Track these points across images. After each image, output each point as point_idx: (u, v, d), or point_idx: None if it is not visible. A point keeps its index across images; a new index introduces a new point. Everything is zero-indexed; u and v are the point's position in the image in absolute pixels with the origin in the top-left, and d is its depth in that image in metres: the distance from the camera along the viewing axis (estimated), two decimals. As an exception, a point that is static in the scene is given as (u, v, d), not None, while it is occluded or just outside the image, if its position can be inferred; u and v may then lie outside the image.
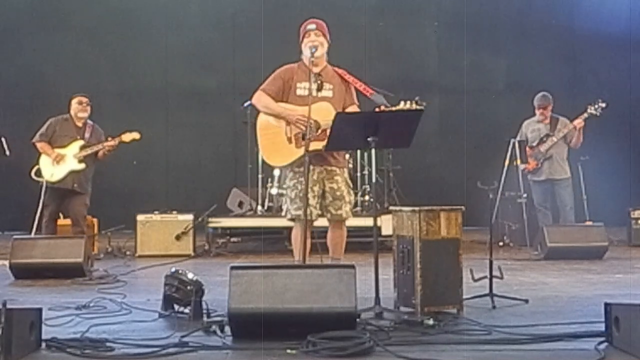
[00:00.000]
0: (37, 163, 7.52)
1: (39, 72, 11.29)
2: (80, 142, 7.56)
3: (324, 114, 4.90)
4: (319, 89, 5.04)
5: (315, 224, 5.18)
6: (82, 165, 7.49)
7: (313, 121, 4.83)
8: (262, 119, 5.22)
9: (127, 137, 7.68)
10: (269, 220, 8.40)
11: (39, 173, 7.48)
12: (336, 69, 5.22)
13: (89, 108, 7.68)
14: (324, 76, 5.10)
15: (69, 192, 7.51)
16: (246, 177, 8.85)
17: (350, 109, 5.12)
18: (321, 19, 5.28)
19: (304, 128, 4.90)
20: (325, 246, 5.27)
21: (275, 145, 5.10)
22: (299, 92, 5.11)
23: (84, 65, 11.37)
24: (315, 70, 5.11)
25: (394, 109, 4.73)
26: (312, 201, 5.02)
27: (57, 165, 7.43)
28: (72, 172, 7.46)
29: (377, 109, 4.80)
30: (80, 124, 7.65)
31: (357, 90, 5.20)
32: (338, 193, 5.10)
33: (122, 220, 8.76)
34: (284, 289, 3.80)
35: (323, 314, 3.72)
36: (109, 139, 7.61)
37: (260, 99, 5.18)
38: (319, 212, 5.11)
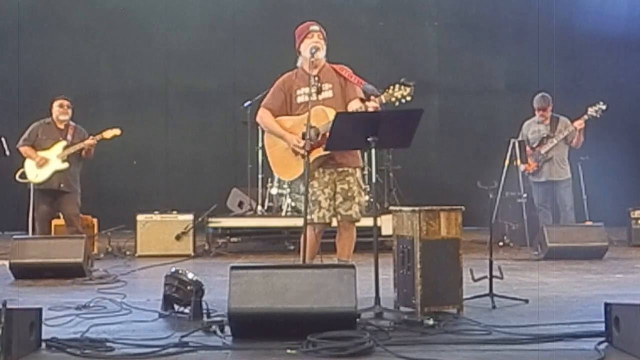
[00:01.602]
0: (22, 166, 7.60)
1: (39, 72, 11.28)
2: (63, 143, 7.64)
3: (320, 118, 4.83)
4: (319, 91, 4.98)
5: None
6: (66, 165, 7.55)
7: (312, 127, 4.76)
8: (267, 135, 5.23)
9: (108, 134, 7.75)
10: (269, 220, 8.40)
11: (23, 175, 7.57)
12: (334, 65, 5.15)
13: (70, 111, 7.76)
14: (322, 77, 5.05)
15: (57, 193, 7.58)
16: (246, 177, 8.85)
17: (353, 103, 5.00)
18: (321, 16, 5.27)
19: (302, 152, 4.87)
20: (326, 246, 5.25)
21: (284, 160, 5.09)
22: (299, 99, 5.09)
23: (84, 65, 11.38)
24: (314, 72, 5.05)
25: (383, 99, 4.71)
26: (324, 204, 5.01)
27: (41, 165, 7.51)
28: (57, 172, 7.53)
29: (372, 98, 4.78)
30: (62, 126, 7.72)
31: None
32: (349, 194, 5.04)
33: (122, 220, 8.75)
34: (284, 289, 3.80)
35: (323, 314, 3.72)
36: (90, 137, 7.64)
37: (262, 118, 5.19)
38: (332, 214, 5.07)
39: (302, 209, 5.12)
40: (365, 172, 8.57)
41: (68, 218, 7.65)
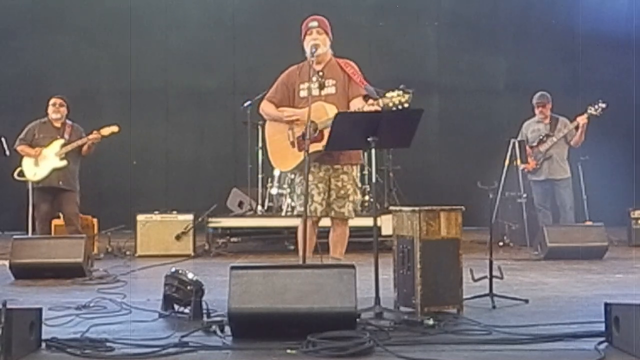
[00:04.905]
0: (20, 165, 7.59)
1: (39, 72, 11.28)
2: (61, 141, 7.62)
3: (319, 114, 4.86)
4: (321, 87, 5.02)
5: (319, 223, 5.16)
6: (64, 162, 7.53)
7: (311, 122, 4.75)
8: (268, 126, 5.32)
9: (106, 131, 7.68)
10: (269, 220, 8.40)
11: (21, 174, 7.55)
12: (339, 60, 5.18)
13: (62, 109, 7.73)
14: (327, 72, 5.08)
15: (57, 191, 7.57)
16: (246, 177, 8.85)
17: (355, 102, 5.03)
18: (322, 15, 5.27)
19: (300, 127, 4.91)
20: (326, 246, 5.25)
21: (281, 152, 5.17)
22: (302, 93, 5.12)
23: (84, 65, 11.38)
24: (318, 67, 5.09)
25: (381, 102, 4.73)
26: (317, 198, 5.03)
27: (38, 163, 7.49)
28: (55, 170, 7.51)
29: (370, 101, 4.80)
30: (58, 125, 7.69)
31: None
32: (342, 192, 5.07)
33: (122, 220, 8.76)
34: (284, 289, 3.79)
35: (323, 314, 3.72)
36: (94, 132, 7.61)
37: (264, 108, 5.31)
38: (325, 209, 5.09)
39: (294, 201, 5.18)
40: (365, 172, 8.59)
41: (67, 217, 7.65)
